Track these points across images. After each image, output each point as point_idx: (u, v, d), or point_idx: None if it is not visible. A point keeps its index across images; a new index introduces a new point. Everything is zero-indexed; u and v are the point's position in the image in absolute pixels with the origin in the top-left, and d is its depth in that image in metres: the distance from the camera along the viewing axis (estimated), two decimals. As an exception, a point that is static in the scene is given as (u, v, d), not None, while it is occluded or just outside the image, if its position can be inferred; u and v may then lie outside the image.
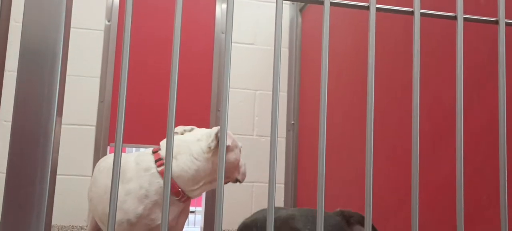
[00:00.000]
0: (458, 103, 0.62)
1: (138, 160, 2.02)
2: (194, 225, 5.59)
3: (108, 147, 3.22)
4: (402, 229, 1.85)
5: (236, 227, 3.45)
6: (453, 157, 1.56)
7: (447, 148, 1.64)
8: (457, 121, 0.62)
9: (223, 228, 3.57)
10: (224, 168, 0.55)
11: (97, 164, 2.23)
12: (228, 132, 2.03)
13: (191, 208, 5.44)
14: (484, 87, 1.46)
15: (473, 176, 1.45)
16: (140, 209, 1.91)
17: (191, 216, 5.63)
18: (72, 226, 3.12)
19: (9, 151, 0.50)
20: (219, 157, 0.55)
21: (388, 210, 1.95)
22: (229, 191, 3.35)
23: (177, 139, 2.08)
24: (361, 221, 1.05)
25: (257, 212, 1.07)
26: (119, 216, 1.90)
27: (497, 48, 0.63)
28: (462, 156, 0.62)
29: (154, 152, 2.04)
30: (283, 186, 3.41)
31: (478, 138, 1.46)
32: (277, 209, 1.01)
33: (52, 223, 3.07)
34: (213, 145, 2.05)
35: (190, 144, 2.06)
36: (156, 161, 2.00)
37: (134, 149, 5.52)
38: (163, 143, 2.11)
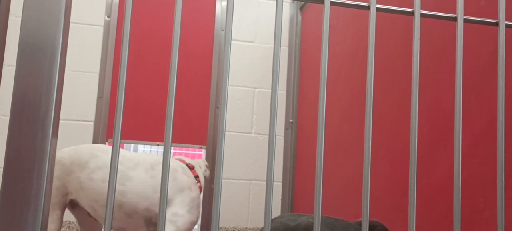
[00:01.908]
0: (457, 105, 0.62)
1: (186, 172, 2.32)
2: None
3: (106, 143, 3.21)
4: (399, 230, 1.85)
5: (233, 224, 3.46)
6: (451, 158, 1.56)
7: (445, 149, 1.64)
8: (456, 122, 0.62)
9: (220, 226, 3.58)
10: (222, 167, 0.55)
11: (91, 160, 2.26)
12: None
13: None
14: (483, 89, 1.46)
15: (470, 177, 1.45)
16: (198, 216, 2.27)
17: None
18: (69, 221, 3.12)
19: (6, 145, 0.50)
20: (217, 156, 0.55)
21: (386, 210, 1.95)
22: (227, 189, 3.35)
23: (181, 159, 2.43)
24: None
25: (273, 219, 1.05)
26: (192, 217, 2.21)
27: (497, 50, 0.63)
28: (460, 158, 0.62)
29: (190, 168, 2.40)
30: (280, 184, 3.41)
31: (477, 140, 1.46)
32: (297, 216, 1.00)
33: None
34: (207, 174, 2.48)
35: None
36: (195, 177, 2.36)
37: (132, 145, 5.52)
38: (195, 162, 2.45)
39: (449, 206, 1.54)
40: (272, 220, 1.04)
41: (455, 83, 0.62)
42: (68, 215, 3.11)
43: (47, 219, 0.51)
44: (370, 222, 1.06)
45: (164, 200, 0.55)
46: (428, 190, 1.66)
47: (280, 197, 3.41)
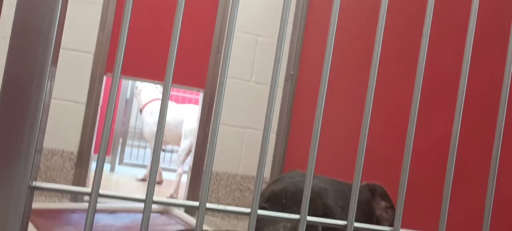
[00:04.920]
0: (464, 64, 0.61)
1: None
2: (170, 163, 5.66)
3: (105, 77, 3.20)
4: (390, 183, 1.87)
5: (224, 169, 3.50)
6: (448, 118, 1.56)
7: (443, 111, 1.64)
8: (461, 82, 0.61)
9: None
10: (221, 112, 0.54)
11: None
12: None
13: (175, 148, 5.55)
14: (490, 48, 1.45)
15: (465, 138, 1.45)
16: None
17: (174, 156, 5.72)
18: (63, 150, 3.14)
19: (5, 69, 0.49)
20: (216, 101, 0.54)
21: (378, 165, 1.97)
22: (220, 135, 3.35)
23: None
24: (381, 193, 1.06)
25: (284, 178, 1.04)
26: None
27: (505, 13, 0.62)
28: (460, 118, 0.62)
29: None
30: (275, 135, 3.43)
31: (477, 102, 1.46)
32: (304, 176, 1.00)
33: (43, 146, 3.09)
34: None
35: None
36: None
37: (130, 81, 5.50)
38: None
39: (443, 164, 1.55)
40: (281, 178, 1.04)
41: (465, 43, 0.61)
42: (60, 143, 3.14)
43: (42, 143, 0.51)
44: (370, 184, 1.07)
45: (159, 141, 0.54)
46: (422, 148, 1.67)
47: (273, 148, 3.43)
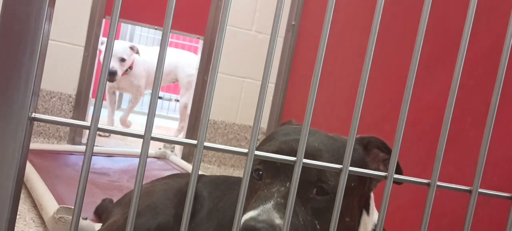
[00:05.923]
0: (466, 25, 0.60)
1: None
2: (174, 111, 5.68)
3: (104, 20, 3.16)
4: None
5: (221, 118, 3.50)
6: (447, 78, 1.56)
7: (444, 68, 1.64)
8: (462, 44, 0.61)
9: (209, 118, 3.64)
10: (220, 59, 0.54)
11: None
12: None
13: (175, 97, 5.49)
14: (495, 5, 1.44)
15: (462, 97, 1.46)
16: None
17: (172, 104, 5.73)
18: (61, 93, 3.14)
19: (2, 12, 0.48)
20: (216, 48, 0.54)
21: (373, 120, 1.98)
22: (219, 83, 3.34)
23: None
24: (378, 146, 1.05)
25: (277, 136, 1.02)
26: None
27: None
28: (459, 78, 0.62)
29: None
30: (274, 85, 3.42)
31: (475, 64, 1.46)
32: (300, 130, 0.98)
33: (41, 88, 3.08)
34: None
35: None
36: None
37: (129, 26, 5.44)
38: None
39: (438, 122, 1.56)
40: (275, 135, 1.03)
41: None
42: (58, 85, 3.13)
43: (37, 95, 0.51)
44: (364, 138, 1.06)
45: (157, 85, 0.54)
46: (418, 106, 1.68)
47: (272, 98, 3.44)
